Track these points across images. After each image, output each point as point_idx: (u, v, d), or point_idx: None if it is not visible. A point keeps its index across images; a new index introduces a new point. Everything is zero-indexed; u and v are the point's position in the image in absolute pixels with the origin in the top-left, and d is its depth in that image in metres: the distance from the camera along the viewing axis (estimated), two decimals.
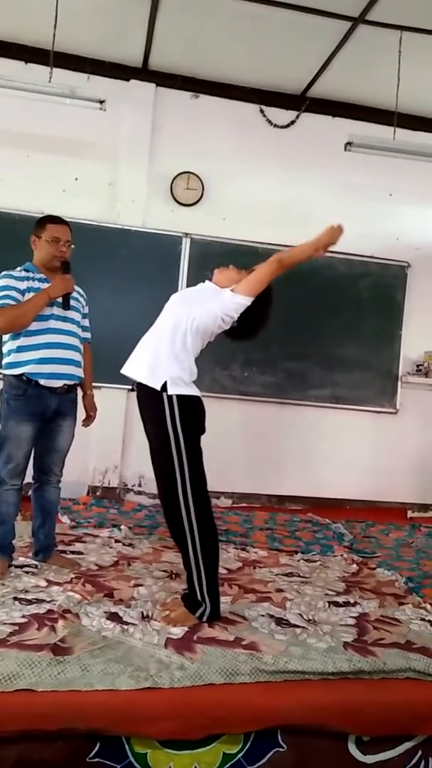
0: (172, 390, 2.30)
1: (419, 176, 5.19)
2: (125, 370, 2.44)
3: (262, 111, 5.05)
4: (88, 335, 3.03)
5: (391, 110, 4.57)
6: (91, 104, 4.53)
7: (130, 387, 2.49)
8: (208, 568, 2.30)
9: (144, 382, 2.34)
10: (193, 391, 2.37)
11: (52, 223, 2.83)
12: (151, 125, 4.85)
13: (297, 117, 5.09)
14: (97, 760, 1.74)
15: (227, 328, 2.45)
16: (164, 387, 2.30)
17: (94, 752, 1.73)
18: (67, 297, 2.81)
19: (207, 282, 2.57)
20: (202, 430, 2.40)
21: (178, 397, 2.30)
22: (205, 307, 2.39)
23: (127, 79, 4.83)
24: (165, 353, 2.35)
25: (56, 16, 3.94)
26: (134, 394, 2.45)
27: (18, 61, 4.63)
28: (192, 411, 2.34)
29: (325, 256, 2.67)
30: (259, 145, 5.04)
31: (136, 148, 4.82)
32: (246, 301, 2.38)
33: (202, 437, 2.39)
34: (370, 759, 1.89)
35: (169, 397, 2.29)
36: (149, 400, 2.35)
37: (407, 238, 5.27)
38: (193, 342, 2.38)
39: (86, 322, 3.02)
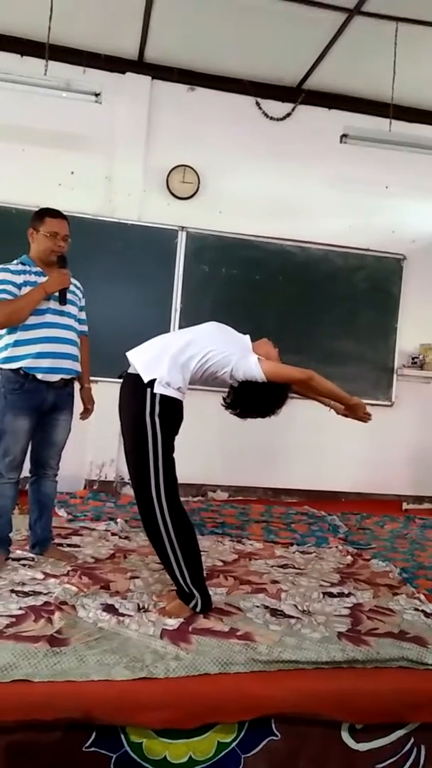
0: (157, 389, 2.30)
1: (415, 169, 5.17)
2: (130, 354, 2.45)
3: (258, 104, 5.04)
4: (85, 328, 3.04)
5: (387, 102, 4.56)
6: (86, 97, 4.49)
7: (117, 375, 2.49)
8: (187, 559, 2.30)
9: (138, 371, 2.35)
10: (175, 395, 2.36)
11: (51, 217, 2.82)
12: (147, 118, 4.83)
13: (293, 109, 5.07)
14: (93, 749, 1.76)
15: (229, 382, 2.44)
16: (151, 383, 2.31)
17: (89, 741, 1.75)
18: (64, 292, 2.82)
19: (248, 337, 2.55)
20: (176, 431, 2.40)
21: (161, 396, 2.31)
22: (228, 350, 2.39)
23: (123, 72, 4.81)
24: (168, 357, 2.35)
25: (51, 9, 3.92)
26: None
27: (13, 54, 4.61)
28: (171, 410, 2.34)
29: (341, 412, 2.71)
30: (255, 137, 5.03)
31: (132, 141, 4.81)
32: (260, 374, 2.35)
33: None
34: (363, 746, 1.92)
35: (153, 395, 2.30)
36: (134, 390, 2.35)
37: (403, 231, 5.27)
38: (196, 368, 2.38)
39: (83, 315, 3.03)
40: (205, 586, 2.36)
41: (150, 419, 2.29)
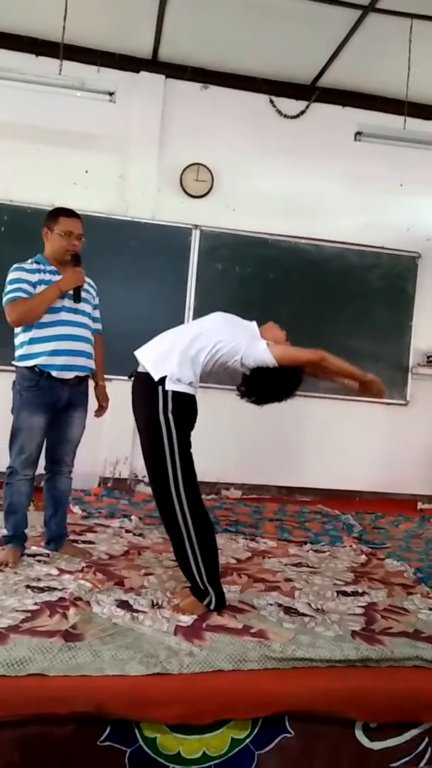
0: (168, 386, 2.30)
1: (430, 166, 5.15)
2: (138, 353, 2.44)
3: (271, 101, 5.04)
4: (99, 326, 3.05)
5: (402, 99, 4.54)
6: (101, 96, 4.54)
7: (128, 375, 2.49)
8: (205, 556, 2.30)
9: (147, 369, 2.35)
10: (187, 390, 2.36)
11: (65, 216, 2.84)
12: (161, 117, 4.85)
13: (307, 107, 5.06)
14: (107, 743, 1.76)
15: (240, 370, 2.42)
16: (162, 381, 2.31)
17: (104, 736, 1.76)
18: (78, 290, 2.83)
19: (254, 323, 2.54)
20: (192, 426, 2.40)
21: (173, 392, 2.31)
22: (236, 339, 2.38)
23: (137, 71, 4.83)
24: (177, 352, 2.35)
25: (66, 8, 3.94)
26: None
27: (29, 54, 4.65)
28: (184, 406, 2.34)
29: (355, 389, 2.64)
30: (269, 135, 5.03)
31: (145, 139, 4.82)
32: (271, 360, 2.33)
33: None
34: (377, 745, 1.91)
35: (165, 392, 2.30)
36: (146, 389, 2.35)
37: (418, 229, 5.24)
38: (206, 360, 2.37)
39: (97, 314, 3.04)
40: (220, 584, 2.36)
41: (164, 417, 2.29)
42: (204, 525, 2.32)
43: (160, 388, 2.31)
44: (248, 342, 2.39)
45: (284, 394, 2.45)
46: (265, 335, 2.47)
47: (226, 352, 2.37)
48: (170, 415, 2.29)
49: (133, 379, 2.46)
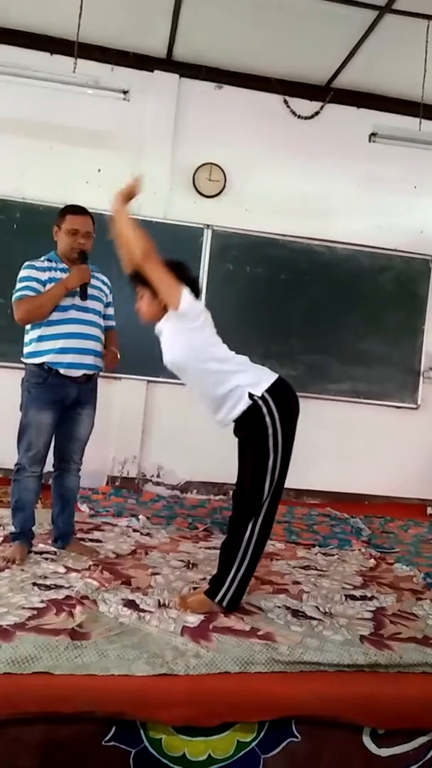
0: (255, 391, 2.28)
1: None
2: (219, 424, 2.40)
3: (286, 102, 5.02)
4: (111, 323, 3.03)
5: (418, 101, 4.52)
6: (115, 95, 4.52)
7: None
8: (252, 560, 2.29)
9: (236, 417, 2.31)
10: (268, 377, 2.33)
11: (72, 214, 2.84)
12: (175, 116, 4.85)
13: (321, 108, 5.04)
14: (112, 743, 1.75)
15: (208, 322, 2.38)
16: (251, 396, 2.27)
17: (109, 736, 1.74)
18: (84, 287, 2.82)
19: (159, 329, 2.43)
20: (293, 419, 2.36)
21: (268, 391, 2.28)
22: (182, 338, 2.33)
23: (151, 70, 4.83)
24: (220, 385, 2.31)
25: (81, 7, 3.95)
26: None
27: (43, 53, 4.66)
28: (284, 398, 2.32)
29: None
30: (283, 136, 5.01)
31: (159, 139, 4.82)
32: (184, 302, 2.31)
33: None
34: (384, 752, 1.88)
35: (262, 398, 2.27)
36: (250, 421, 2.29)
37: (431, 232, 5.20)
38: (214, 353, 2.35)
39: (110, 311, 3.03)
40: (244, 589, 2.33)
41: (271, 423, 2.26)
42: (266, 534, 2.32)
43: (255, 401, 2.27)
44: (177, 329, 2.34)
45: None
46: (159, 317, 2.40)
47: (195, 343, 2.33)
48: (276, 417, 2.26)
49: (235, 427, 2.40)
